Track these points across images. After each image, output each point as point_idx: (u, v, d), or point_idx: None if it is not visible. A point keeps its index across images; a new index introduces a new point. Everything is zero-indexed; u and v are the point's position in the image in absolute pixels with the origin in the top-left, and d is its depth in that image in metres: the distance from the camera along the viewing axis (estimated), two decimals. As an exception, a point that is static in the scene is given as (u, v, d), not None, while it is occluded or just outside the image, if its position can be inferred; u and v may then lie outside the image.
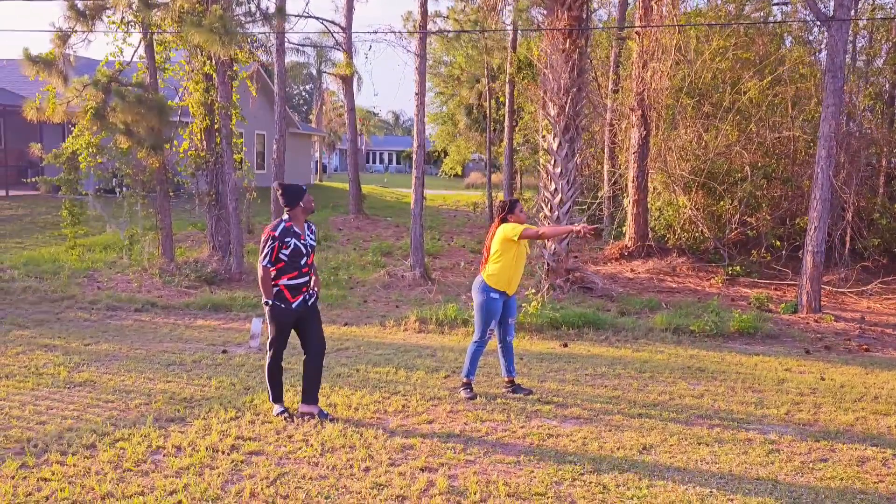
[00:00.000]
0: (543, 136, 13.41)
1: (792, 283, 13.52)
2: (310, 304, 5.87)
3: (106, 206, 15.54)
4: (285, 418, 5.73)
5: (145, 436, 5.20)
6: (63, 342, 8.52)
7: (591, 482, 4.69)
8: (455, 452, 5.13)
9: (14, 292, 11.54)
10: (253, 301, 11.26)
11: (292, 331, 5.94)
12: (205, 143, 13.55)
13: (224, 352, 8.27)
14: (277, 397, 5.92)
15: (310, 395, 5.90)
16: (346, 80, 22.23)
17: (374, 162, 74.17)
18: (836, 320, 11.01)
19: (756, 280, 14.13)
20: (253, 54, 14.48)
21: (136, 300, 11.33)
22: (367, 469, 4.77)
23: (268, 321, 5.82)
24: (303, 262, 5.76)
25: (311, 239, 5.91)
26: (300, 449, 5.10)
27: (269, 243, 5.64)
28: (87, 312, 10.60)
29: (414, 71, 13.41)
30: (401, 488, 4.47)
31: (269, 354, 5.87)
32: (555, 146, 12.58)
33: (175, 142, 13.58)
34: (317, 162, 45.02)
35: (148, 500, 4.13)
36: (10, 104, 20.48)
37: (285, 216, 5.79)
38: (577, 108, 12.50)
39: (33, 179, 13.98)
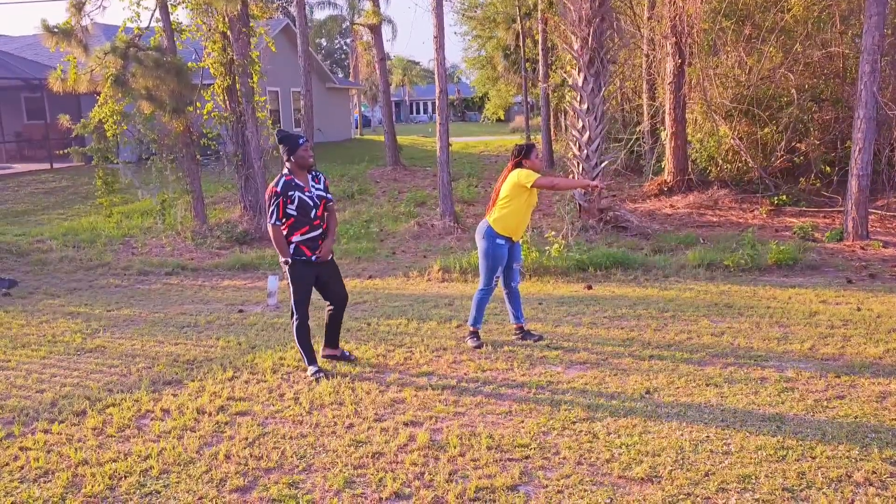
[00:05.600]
0: (568, 72, 12.87)
1: (842, 209, 12.79)
2: (328, 259, 5.78)
3: (137, 172, 15.71)
4: (317, 378, 5.60)
5: (136, 400, 5.18)
6: (88, 309, 8.64)
7: (580, 431, 4.45)
8: (446, 405, 4.95)
9: (51, 262, 11.80)
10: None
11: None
12: (227, 102, 13.47)
13: (240, 311, 8.25)
14: (312, 359, 5.81)
15: (333, 340, 6.07)
16: (375, 30, 21.81)
17: (418, 112, 73.28)
18: (885, 246, 10.39)
19: (804, 209, 13.46)
20: (268, 8, 14.21)
21: (168, 264, 11.45)
22: (350, 426, 4.63)
23: (289, 282, 5.69)
24: (313, 215, 5.63)
25: (318, 189, 5.72)
26: (288, 408, 4.99)
27: (273, 200, 5.55)
28: (118, 278, 10.76)
29: (431, 13, 12.98)
30: (379, 445, 4.32)
31: (295, 319, 5.73)
32: (580, 81, 12.07)
33: (198, 104, 13.54)
34: (357, 116, 44.72)
35: (119, 467, 4.09)
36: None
37: (285, 170, 5.67)
38: (601, 39, 11.92)
39: (66, 151, 14.18)
